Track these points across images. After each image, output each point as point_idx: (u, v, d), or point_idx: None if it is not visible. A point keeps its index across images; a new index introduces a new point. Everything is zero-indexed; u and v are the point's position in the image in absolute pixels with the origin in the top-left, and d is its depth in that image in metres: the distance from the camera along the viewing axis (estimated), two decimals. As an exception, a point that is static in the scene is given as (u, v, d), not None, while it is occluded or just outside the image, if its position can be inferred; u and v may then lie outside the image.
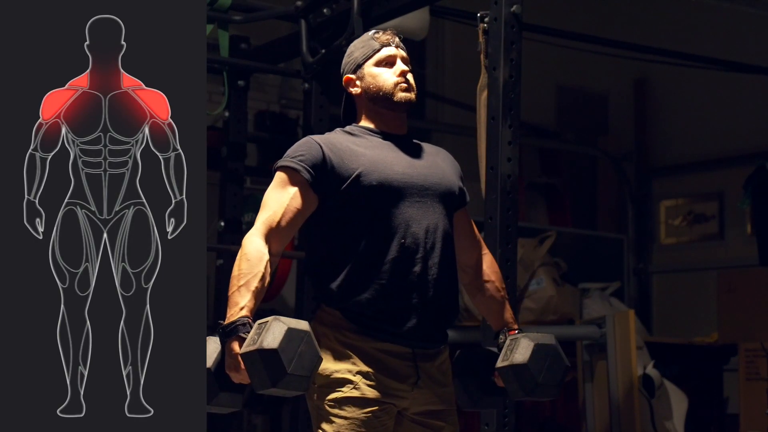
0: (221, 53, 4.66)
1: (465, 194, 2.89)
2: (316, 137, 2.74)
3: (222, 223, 5.18)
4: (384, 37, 2.81)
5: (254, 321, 2.51)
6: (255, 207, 5.72)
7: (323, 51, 4.60)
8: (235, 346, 2.49)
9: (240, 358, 2.46)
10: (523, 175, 6.96)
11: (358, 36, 4.16)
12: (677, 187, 7.99)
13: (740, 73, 6.69)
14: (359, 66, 2.80)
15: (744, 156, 7.24)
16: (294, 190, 2.65)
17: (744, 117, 7.51)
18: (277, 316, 2.46)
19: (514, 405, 3.50)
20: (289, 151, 2.72)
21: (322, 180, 2.66)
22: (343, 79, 2.83)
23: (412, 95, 2.77)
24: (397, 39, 2.82)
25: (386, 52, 2.79)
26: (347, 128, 2.81)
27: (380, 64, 2.78)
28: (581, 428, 5.70)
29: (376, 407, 2.60)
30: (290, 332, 2.42)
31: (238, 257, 2.58)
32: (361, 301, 2.62)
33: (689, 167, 7.86)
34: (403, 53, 2.82)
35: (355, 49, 2.84)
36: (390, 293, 2.63)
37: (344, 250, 2.65)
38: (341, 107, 2.89)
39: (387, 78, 2.76)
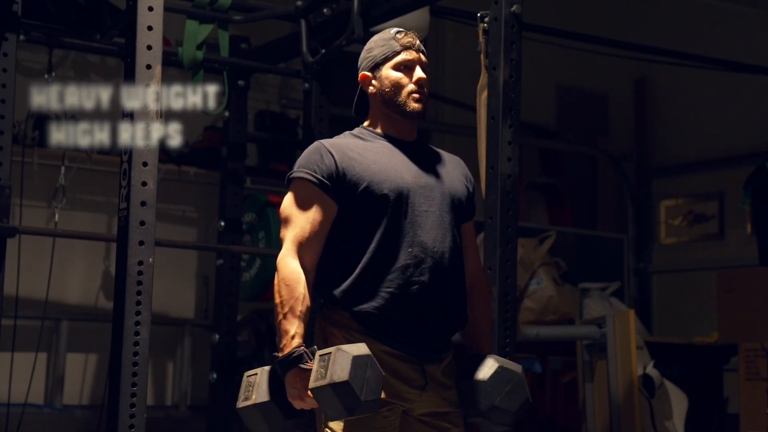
0: (221, 53, 4.66)
1: (474, 208, 2.88)
2: (327, 144, 2.73)
3: (222, 223, 5.17)
4: (406, 39, 2.78)
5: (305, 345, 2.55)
6: (255, 207, 5.75)
7: (323, 51, 4.60)
8: (297, 377, 2.52)
9: (309, 392, 2.49)
10: (523, 175, 6.95)
11: (359, 36, 4.19)
12: (677, 187, 7.99)
13: (740, 73, 6.69)
14: (377, 66, 2.78)
15: (744, 156, 7.23)
16: (315, 202, 2.66)
17: (744, 117, 7.51)
18: (338, 347, 2.49)
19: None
20: (302, 161, 2.71)
21: (336, 187, 2.66)
22: (359, 75, 2.81)
23: (423, 106, 2.77)
24: (418, 42, 2.79)
25: (406, 56, 2.76)
26: (356, 131, 2.81)
27: (398, 68, 2.76)
28: (581, 428, 5.70)
29: (384, 407, 2.60)
30: (355, 361, 2.46)
31: (276, 282, 2.60)
32: (368, 309, 2.62)
33: (689, 167, 7.85)
34: (423, 57, 2.79)
35: (375, 46, 2.81)
36: (398, 302, 2.63)
37: (352, 257, 2.65)
38: (354, 100, 2.86)
39: (403, 85, 2.74)
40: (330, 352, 2.47)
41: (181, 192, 6.14)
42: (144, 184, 3.05)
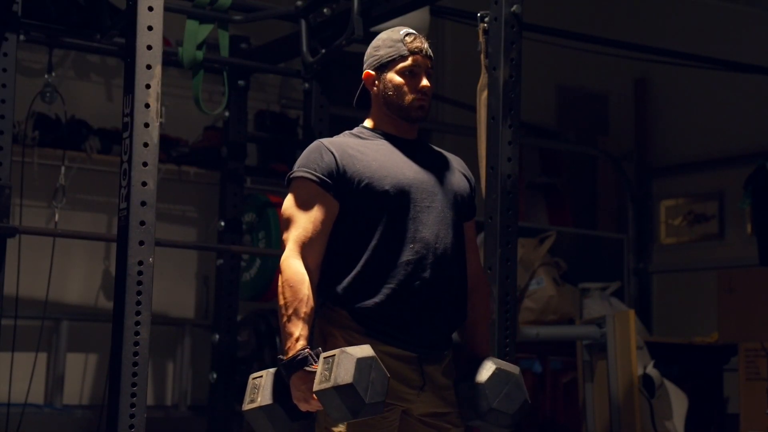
0: (221, 53, 4.66)
1: (474, 208, 2.88)
2: (327, 142, 2.72)
3: (222, 223, 5.17)
4: (414, 43, 2.75)
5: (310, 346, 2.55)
6: (255, 207, 5.74)
7: (323, 51, 4.60)
8: (302, 379, 2.52)
9: (314, 394, 2.49)
10: (523, 175, 6.95)
11: (359, 36, 4.19)
12: (677, 187, 7.99)
13: (740, 73, 6.69)
14: (382, 66, 2.76)
15: (744, 156, 7.24)
16: (316, 201, 2.65)
17: (744, 117, 7.51)
18: (342, 348, 2.49)
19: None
20: (302, 160, 2.71)
21: (337, 185, 2.66)
22: (364, 72, 2.79)
23: (426, 113, 2.76)
24: (426, 47, 2.77)
25: (413, 61, 2.74)
26: (356, 131, 2.80)
27: (403, 73, 2.73)
28: (581, 428, 5.70)
29: (385, 407, 2.59)
30: (360, 363, 2.45)
31: (279, 284, 2.60)
32: (369, 306, 2.62)
33: (689, 167, 7.86)
34: (430, 63, 2.77)
35: (383, 45, 2.78)
36: (399, 298, 2.62)
37: (353, 254, 2.64)
38: (356, 94, 2.85)
39: (406, 91, 2.72)
40: (334, 355, 2.47)
41: (181, 192, 6.14)
42: (144, 184, 3.05)
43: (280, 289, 2.59)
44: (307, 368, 2.51)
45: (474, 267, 2.86)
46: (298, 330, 2.55)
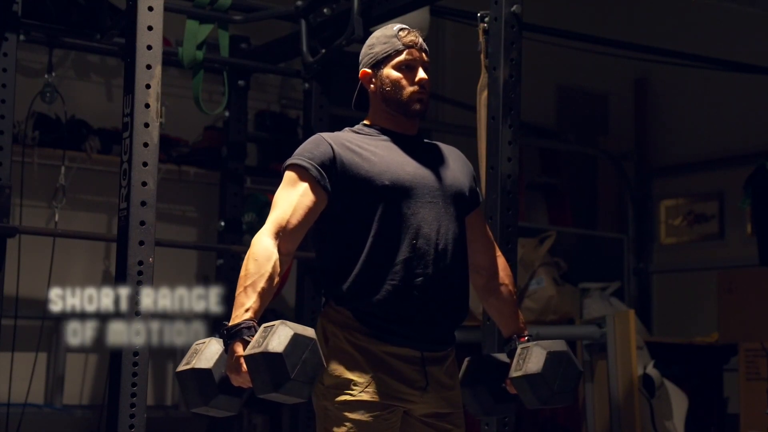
0: (221, 53, 4.66)
1: (478, 195, 2.87)
2: (326, 135, 2.71)
3: (222, 223, 5.17)
4: (408, 37, 2.74)
5: (260, 323, 2.49)
6: (255, 207, 5.74)
7: (323, 51, 4.60)
8: (238, 348, 2.46)
9: (242, 361, 2.44)
10: (523, 175, 6.95)
11: (359, 36, 4.19)
12: (677, 187, 7.99)
13: (740, 73, 6.68)
14: (378, 63, 2.75)
15: (744, 156, 7.23)
16: (303, 188, 2.63)
17: (744, 117, 7.51)
18: (284, 321, 2.45)
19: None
20: (299, 149, 2.70)
21: (331, 178, 2.64)
22: (360, 71, 2.79)
23: (425, 106, 2.75)
24: (421, 41, 2.76)
25: (408, 55, 2.73)
26: (356, 128, 2.79)
27: (400, 68, 2.73)
28: (581, 428, 5.70)
29: (385, 410, 2.59)
30: (296, 338, 2.40)
31: (246, 257, 2.56)
32: (371, 303, 2.60)
33: (689, 167, 7.86)
34: (425, 56, 2.76)
35: (377, 43, 2.77)
36: (401, 295, 2.61)
37: (355, 251, 2.63)
38: (354, 94, 2.84)
39: (404, 85, 2.72)
40: (274, 324, 2.43)
41: (181, 192, 6.14)
42: (144, 184, 3.05)
43: (245, 263, 2.55)
44: (246, 338, 2.45)
45: (491, 253, 2.86)
46: (251, 302, 2.49)
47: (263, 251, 2.55)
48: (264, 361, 2.38)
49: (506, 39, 3.60)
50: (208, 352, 2.51)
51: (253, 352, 2.40)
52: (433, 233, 2.67)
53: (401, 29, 2.76)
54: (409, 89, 2.72)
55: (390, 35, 2.75)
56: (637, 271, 7.90)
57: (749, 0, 6.11)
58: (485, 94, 3.66)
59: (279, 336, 2.39)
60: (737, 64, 6.54)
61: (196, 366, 2.50)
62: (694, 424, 5.93)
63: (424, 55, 2.76)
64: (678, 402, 5.56)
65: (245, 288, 2.51)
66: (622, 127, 8.24)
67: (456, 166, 2.83)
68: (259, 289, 2.51)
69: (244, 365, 2.44)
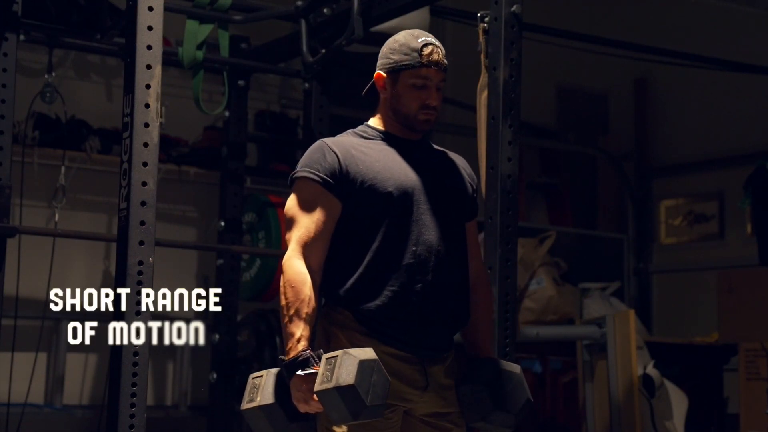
0: (221, 53, 4.65)
1: (476, 207, 2.87)
2: (330, 142, 2.71)
3: (222, 223, 5.17)
4: (432, 56, 2.69)
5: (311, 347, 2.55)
6: (255, 207, 5.74)
7: (323, 51, 4.60)
8: (303, 380, 2.52)
9: (308, 390, 2.50)
10: (523, 175, 6.95)
11: (359, 36, 4.19)
12: (677, 187, 7.99)
13: (740, 73, 6.68)
14: (394, 72, 2.71)
15: (744, 156, 7.23)
16: (319, 202, 2.64)
17: (744, 117, 7.51)
18: (346, 350, 2.49)
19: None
20: (304, 160, 2.69)
21: (339, 185, 2.65)
22: (375, 72, 2.76)
23: (432, 125, 2.73)
24: (443, 59, 2.71)
25: (426, 73, 2.69)
26: (359, 129, 2.79)
27: (416, 83, 2.69)
28: (581, 428, 5.70)
29: (386, 410, 2.58)
30: (362, 365, 2.46)
31: (281, 284, 2.59)
32: (371, 308, 2.62)
33: (689, 167, 7.86)
34: (442, 75, 2.71)
35: (399, 50, 2.72)
36: (401, 301, 2.62)
37: (356, 255, 2.64)
38: (365, 88, 2.81)
39: (415, 104, 2.70)
40: (337, 356, 2.47)
41: (181, 192, 6.14)
42: (144, 184, 3.05)
43: (281, 290, 2.59)
44: (309, 369, 2.51)
45: (475, 267, 2.85)
46: (300, 330, 2.54)
47: (297, 276, 2.59)
48: (338, 394, 2.44)
49: (506, 39, 3.59)
50: (269, 386, 2.61)
51: (324, 387, 2.46)
52: (434, 239, 2.68)
53: (426, 44, 2.70)
54: (417, 109, 2.71)
55: (413, 48, 2.70)
56: (637, 271, 7.90)
57: (749, 0, 6.11)
58: (485, 94, 3.66)
59: (346, 367, 2.45)
60: (737, 64, 6.54)
61: (262, 403, 2.60)
62: (694, 424, 5.93)
63: (442, 75, 2.71)
64: (678, 402, 5.56)
65: (291, 317, 2.56)
66: (622, 127, 8.24)
67: (459, 173, 2.83)
68: (303, 315, 2.56)
69: (314, 396, 2.49)
